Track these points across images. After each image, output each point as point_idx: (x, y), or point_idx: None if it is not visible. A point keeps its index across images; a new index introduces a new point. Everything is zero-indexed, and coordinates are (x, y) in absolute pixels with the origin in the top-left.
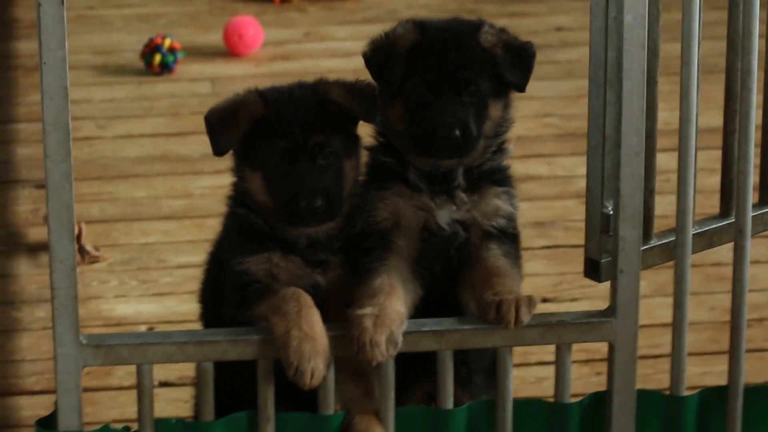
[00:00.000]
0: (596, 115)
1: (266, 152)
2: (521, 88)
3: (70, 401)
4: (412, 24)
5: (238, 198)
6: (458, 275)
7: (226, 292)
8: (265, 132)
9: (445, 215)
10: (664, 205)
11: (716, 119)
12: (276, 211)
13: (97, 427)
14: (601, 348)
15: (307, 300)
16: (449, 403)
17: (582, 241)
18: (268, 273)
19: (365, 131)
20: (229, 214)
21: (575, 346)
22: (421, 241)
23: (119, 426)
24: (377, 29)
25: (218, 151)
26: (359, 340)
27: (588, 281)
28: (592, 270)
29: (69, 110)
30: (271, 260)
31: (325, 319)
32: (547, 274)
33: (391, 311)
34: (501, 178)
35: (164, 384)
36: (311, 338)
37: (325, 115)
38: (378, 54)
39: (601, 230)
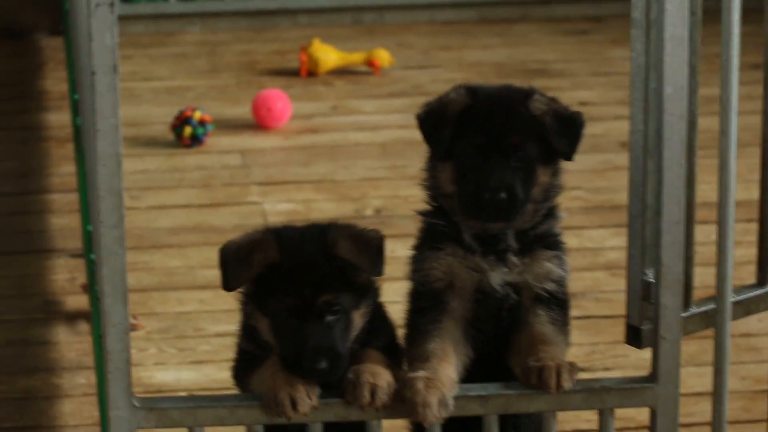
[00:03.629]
0: (637, 184)
1: (275, 305)
2: (569, 157)
3: None
4: (465, 89)
5: (247, 331)
6: (508, 337)
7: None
8: (276, 282)
9: (497, 277)
10: (695, 277)
11: (742, 193)
12: (282, 361)
13: None
14: (635, 416)
15: None
16: None
17: (612, 312)
18: None
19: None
20: (238, 341)
21: None
22: (474, 302)
23: None
24: (403, 103)
25: (228, 287)
26: (412, 401)
27: (620, 351)
28: (633, 337)
29: (122, 176)
30: None
31: None
32: (580, 344)
33: (443, 375)
34: (552, 243)
35: None
36: (289, 384)
37: (334, 272)
38: (430, 116)
39: (641, 297)
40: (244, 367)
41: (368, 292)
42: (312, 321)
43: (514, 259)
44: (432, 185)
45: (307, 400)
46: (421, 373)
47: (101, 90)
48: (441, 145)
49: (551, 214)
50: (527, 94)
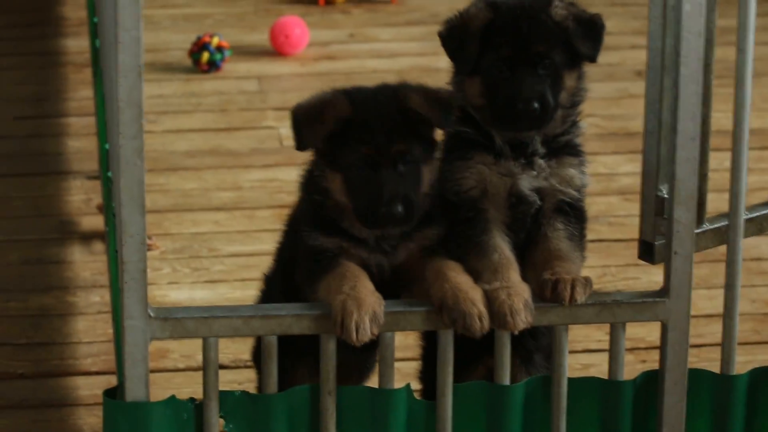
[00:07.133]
0: (653, 100)
1: (349, 156)
2: (593, 59)
3: (138, 373)
4: (485, 3)
5: (314, 186)
6: (526, 250)
7: (299, 261)
8: (349, 135)
9: (526, 181)
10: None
11: (755, 121)
12: (354, 213)
13: None
14: (646, 336)
15: (354, 270)
16: (507, 379)
17: (624, 236)
18: (338, 250)
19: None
20: (305, 198)
21: None
22: (508, 208)
23: None
24: (420, 31)
25: (301, 145)
26: (500, 312)
27: (630, 273)
28: (646, 252)
29: (142, 88)
30: (341, 246)
31: (394, 295)
32: (592, 266)
33: (517, 281)
34: (576, 151)
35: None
36: (354, 297)
37: (407, 123)
38: (453, 33)
39: (655, 213)
40: (312, 268)
41: (435, 148)
42: (386, 169)
43: (541, 162)
44: (461, 98)
45: (368, 333)
46: (497, 284)
47: (123, 2)
48: (468, 62)
49: (575, 123)
50: (547, 1)
